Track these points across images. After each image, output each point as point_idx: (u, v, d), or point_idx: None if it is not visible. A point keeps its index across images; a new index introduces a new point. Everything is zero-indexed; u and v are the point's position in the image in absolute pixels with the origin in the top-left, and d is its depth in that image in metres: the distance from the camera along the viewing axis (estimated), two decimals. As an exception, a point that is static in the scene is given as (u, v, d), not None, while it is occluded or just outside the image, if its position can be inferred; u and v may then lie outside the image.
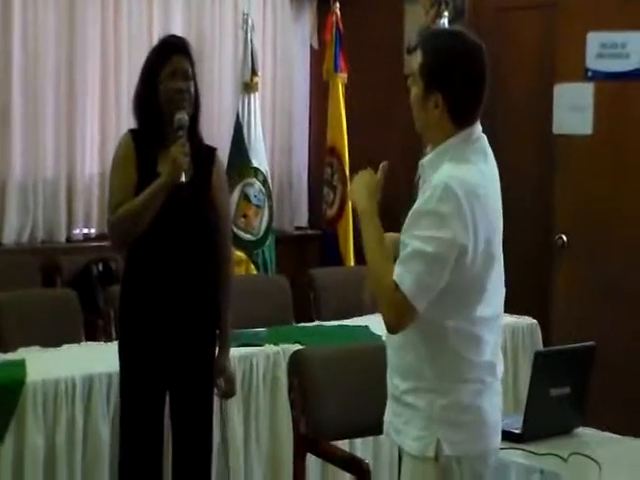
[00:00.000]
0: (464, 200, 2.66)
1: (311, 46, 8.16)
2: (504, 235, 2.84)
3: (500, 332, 2.91)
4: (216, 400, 3.93)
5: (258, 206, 7.02)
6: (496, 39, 6.79)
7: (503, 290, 2.90)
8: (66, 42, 6.66)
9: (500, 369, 2.90)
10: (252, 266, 6.98)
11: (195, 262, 3.70)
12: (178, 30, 7.02)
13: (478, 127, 2.82)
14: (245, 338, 4.71)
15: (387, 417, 2.93)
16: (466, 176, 2.71)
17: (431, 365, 2.76)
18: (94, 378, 4.06)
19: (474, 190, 2.69)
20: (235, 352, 4.44)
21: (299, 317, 5.74)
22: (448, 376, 2.76)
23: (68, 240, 6.74)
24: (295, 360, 3.92)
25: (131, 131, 3.80)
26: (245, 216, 6.97)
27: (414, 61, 2.79)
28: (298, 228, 8.11)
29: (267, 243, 7.06)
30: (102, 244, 6.32)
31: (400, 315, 2.68)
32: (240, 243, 6.89)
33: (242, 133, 7.05)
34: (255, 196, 7.01)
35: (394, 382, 2.86)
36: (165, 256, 3.66)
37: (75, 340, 4.76)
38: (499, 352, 2.91)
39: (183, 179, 3.57)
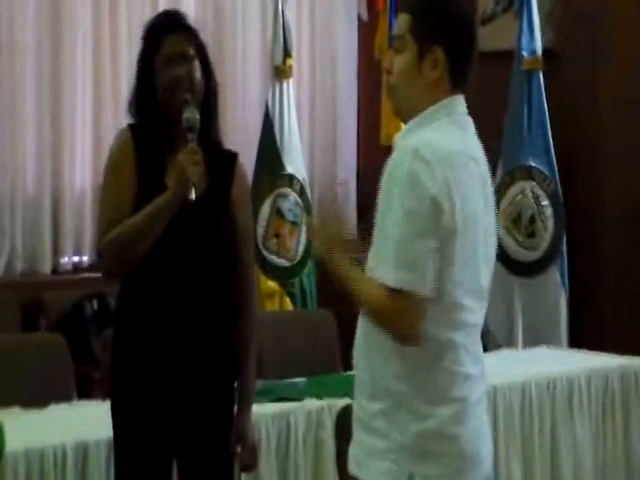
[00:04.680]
0: (435, 166, 2.87)
1: (359, 18, 8.20)
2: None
3: (480, 343, 3.12)
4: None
5: (294, 223, 7.03)
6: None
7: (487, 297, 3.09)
8: (49, 26, 6.74)
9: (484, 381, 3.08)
10: (287, 299, 7.01)
11: (207, 298, 3.66)
12: (191, 5, 7.07)
13: (463, 101, 3.08)
14: (280, 391, 4.74)
15: (351, 449, 3.10)
16: (441, 142, 2.94)
17: (407, 378, 2.95)
18: (89, 446, 4.07)
19: (448, 158, 2.91)
20: (268, 408, 4.47)
21: (347, 363, 5.73)
22: (426, 392, 2.95)
23: (54, 271, 6.81)
24: (344, 418, 3.93)
25: (131, 127, 3.73)
26: (278, 236, 6.99)
27: (398, 27, 3.07)
28: (346, 250, 8.11)
29: (306, 270, 7.08)
30: (97, 276, 6.31)
31: (408, 315, 2.87)
32: (272, 271, 6.93)
33: (273, 131, 7.09)
34: (290, 210, 7.03)
35: (362, 404, 3.05)
36: (169, 290, 3.63)
37: (65, 398, 4.78)
38: (483, 364, 3.09)
39: (193, 196, 3.51)
